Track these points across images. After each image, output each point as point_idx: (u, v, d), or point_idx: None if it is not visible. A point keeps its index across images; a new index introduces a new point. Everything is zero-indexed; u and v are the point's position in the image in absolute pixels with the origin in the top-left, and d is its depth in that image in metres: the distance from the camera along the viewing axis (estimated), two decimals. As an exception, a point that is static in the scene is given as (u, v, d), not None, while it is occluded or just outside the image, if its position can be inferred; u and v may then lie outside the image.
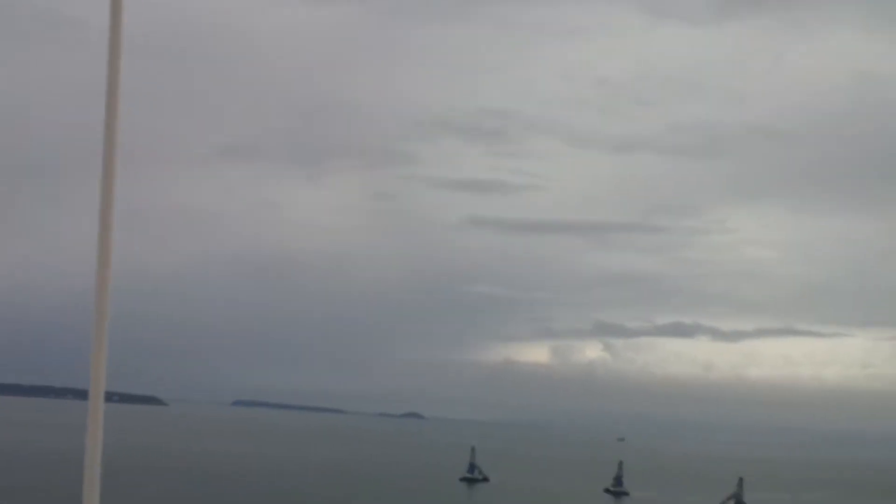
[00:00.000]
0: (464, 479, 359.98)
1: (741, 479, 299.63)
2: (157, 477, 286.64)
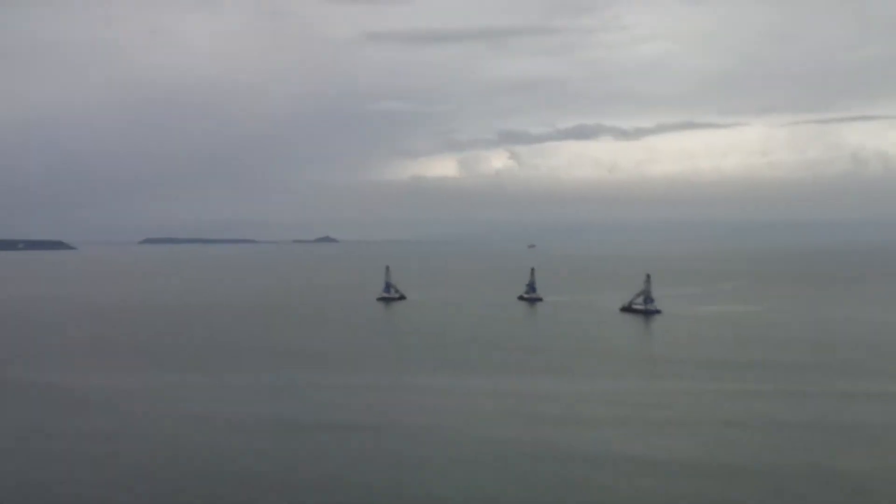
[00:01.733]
0: (381, 299, 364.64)
1: (648, 276, 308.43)
2: (72, 324, 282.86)
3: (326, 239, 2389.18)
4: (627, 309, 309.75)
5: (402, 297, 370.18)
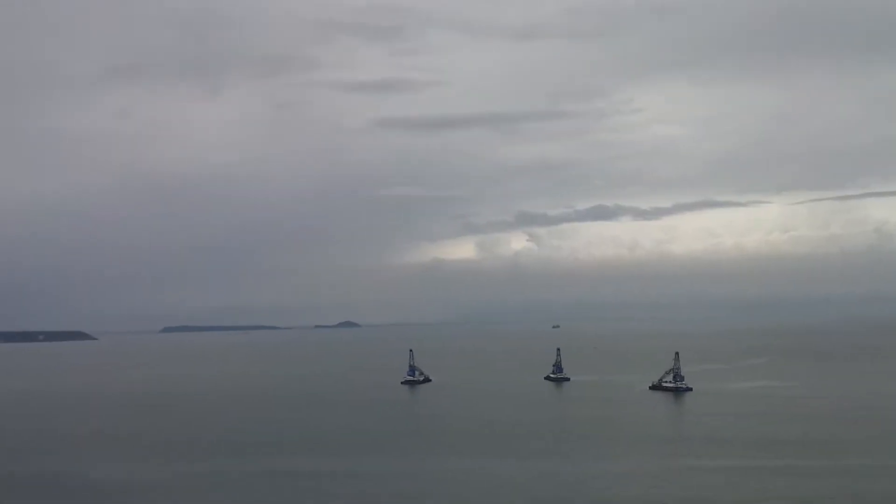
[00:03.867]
0: (405, 383, 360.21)
1: (677, 354, 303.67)
2: (97, 411, 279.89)
3: (348, 323, 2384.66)
4: (657, 387, 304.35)
5: (427, 380, 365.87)
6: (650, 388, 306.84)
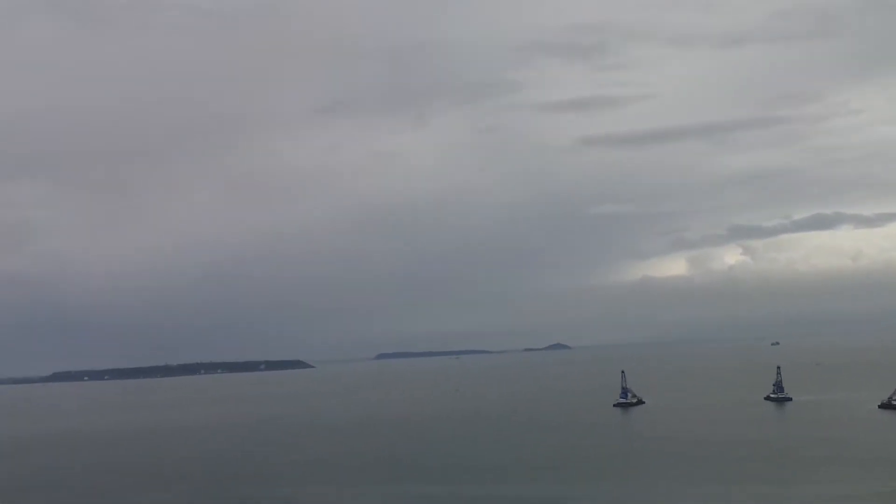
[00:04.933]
0: (618, 405, 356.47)
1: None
2: (318, 437, 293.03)
3: (558, 346, 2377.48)
4: (887, 406, 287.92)
5: (640, 402, 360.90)
6: (879, 406, 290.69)
